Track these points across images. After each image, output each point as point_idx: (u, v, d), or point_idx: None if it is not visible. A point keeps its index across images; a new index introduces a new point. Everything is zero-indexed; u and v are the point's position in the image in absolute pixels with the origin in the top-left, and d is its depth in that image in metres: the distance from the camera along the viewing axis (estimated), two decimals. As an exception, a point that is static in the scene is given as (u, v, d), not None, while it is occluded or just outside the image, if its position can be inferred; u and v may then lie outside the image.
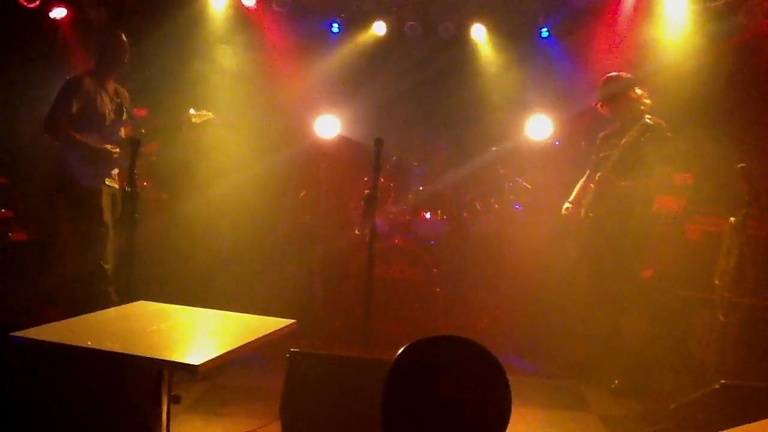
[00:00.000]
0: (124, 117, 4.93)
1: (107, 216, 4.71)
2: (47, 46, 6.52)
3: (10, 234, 5.70)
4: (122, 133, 4.92)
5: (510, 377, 1.82)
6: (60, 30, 6.67)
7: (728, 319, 4.32)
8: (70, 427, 3.23)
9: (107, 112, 4.78)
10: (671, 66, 5.93)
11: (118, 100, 4.91)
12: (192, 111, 5.02)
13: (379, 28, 7.05)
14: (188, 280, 5.98)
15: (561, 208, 5.06)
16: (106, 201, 4.72)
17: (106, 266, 4.65)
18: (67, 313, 2.70)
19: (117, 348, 2.27)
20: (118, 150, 4.76)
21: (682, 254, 5.21)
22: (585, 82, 5.40)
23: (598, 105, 4.89)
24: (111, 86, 4.89)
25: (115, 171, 4.87)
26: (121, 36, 4.84)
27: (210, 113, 5.07)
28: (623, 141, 4.55)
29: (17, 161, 6.07)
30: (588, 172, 5.08)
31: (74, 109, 4.61)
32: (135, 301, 3.10)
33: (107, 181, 4.78)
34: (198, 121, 5.01)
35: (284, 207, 6.69)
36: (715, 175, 5.42)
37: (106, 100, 4.79)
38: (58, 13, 6.53)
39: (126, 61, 4.87)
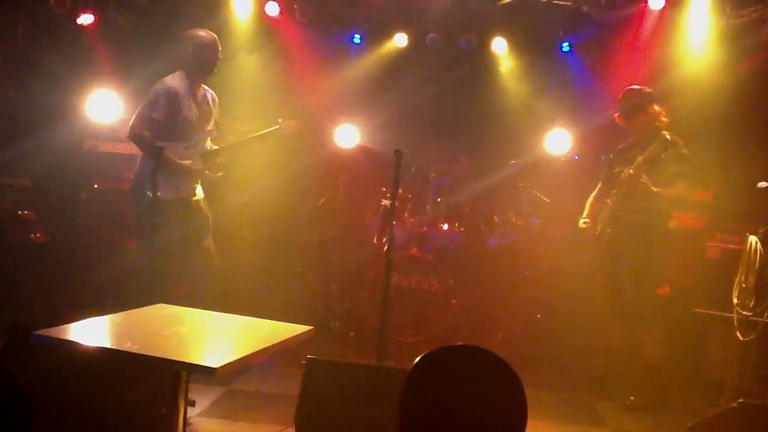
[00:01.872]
0: (211, 126, 4.67)
1: (177, 231, 4.46)
2: (75, 53, 6.61)
3: (32, 235, 5.77)
4: (208, 143, 4.69)
5: (525, 391, 1.83)
6: (86, 36, 6.76)
7: (746, 338, 4.29)
8: (86, 427, 3.26)
9: (194, 120, 4.52)
10: (692, 82, 5.91)
11: (206, 107, 4.64)
12: (280, 121, 4.76)
13: (400, 40, 7.09)
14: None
15: (578, 222, 5.05)
16: (178, 217, 4.47)
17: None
18: (87, 314, 2.73)
19: (136, 349, 2.30)
20: (200, 167, 4.56)
21: (700, 271, 5.18)
22: (605, 96, 5.40)
23: (617, 116, 4.89)
24: (200, 92, 4.61)
25: (198, 185, 4.65)
26: (214, 39, 4.58)
27: (298, 123, 4.83)
28: (640, 157, 4.53)
29: (40, 164, 6.15)
30: (599, 185, 5.07)
31: (161, 116, 4.37)
32: (154, 303, 3.14)
33: (187, 195, 4.57)
34: (287, 133, 4.76)
35: (303, 215, 6.73)
36: (735, 192, 5.39)
37: (194, 107, 4.52)
38: (85, 19, 6.61)
39: (215, 67, 4.59)
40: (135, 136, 4.43)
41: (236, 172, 6.00)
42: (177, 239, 4.51)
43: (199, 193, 4.68)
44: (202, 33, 4.60)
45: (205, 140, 4.68)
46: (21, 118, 6.16)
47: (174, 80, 4.49)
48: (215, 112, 4.75)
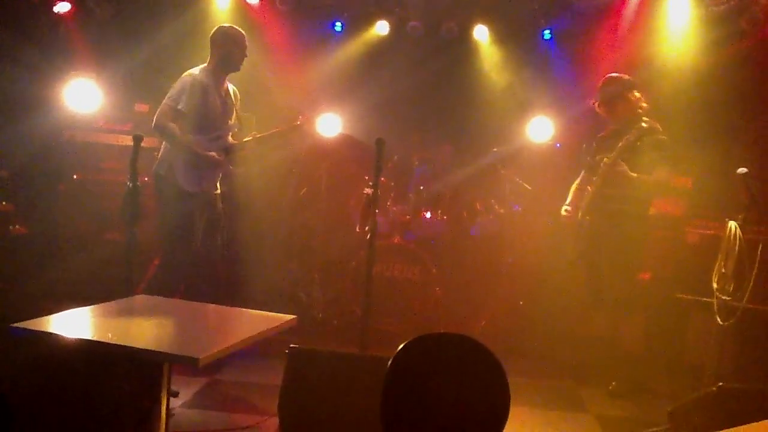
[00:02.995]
0: (233, 121, 4.68)
1: (196, 222, 4.49)
2: (51, 42, 6.52)
3: (11, 227, 5.70)
4: (230, 138, 4.68)
5: (508, 378, 1.83)
6: (63, 25, 6.67)
7: (726, 323, 4.33)
8: (67, 420, 3.24)
9: (219, 113, 4.53)
10: (672, 70, 5.95)
11: (230, 102, 4.65)
12: (301, 117, 4.82)
13: (381, 28, 7.07)
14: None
15: (560, 210, 5.07)
16: (199, 209, 4.49)
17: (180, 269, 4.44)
18: (67, 306, 2.70)
19: (117, 340, 2.29)
20: (222, 158, 4.55)
21: (680, 257, 5.23)
22: (586, 84, 5.41)
23: (596, 104, 4.91)
24: (224, 87, 4.62)
25: (218, 177, 4.65)
26: (243, 37, 4.58)
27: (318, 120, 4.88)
28: (620, 144, 4.56)
29: (18, 154, 6.07)
30: (582, 173, 5.09)
31: (187, 107, 4.36)
32: (135, 295, 3.12)
33: (209, 188, 4.57)
34: (308, 129, 4.87)
35: (285, 204, 6.71)
36: (714, 178, 5.44)
37: (218, 101, 4.53)
38: (62, 7, 6.52)
39: (240, 66, 4.61)
40: (160, 126, 4.39)
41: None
42: (197, 230, 4.51)
43: (219, 186, 4.68)
44: (233, 29, 4.61)
45: (228, 134, 4.67)
46: (-3, 109, 6.08)
47: (201, 73, 4.49)
48: (237, 106, 4.75)
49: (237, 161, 4.70)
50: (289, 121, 4.93)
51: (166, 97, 4.42)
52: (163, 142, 4.51)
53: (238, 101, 4.77)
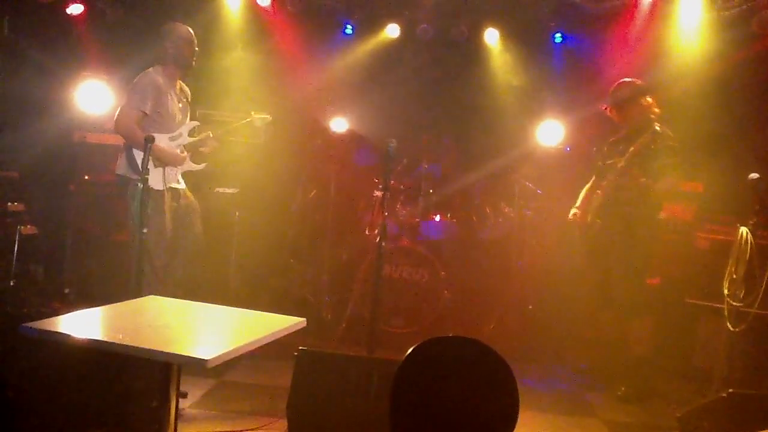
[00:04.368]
0: (188, 120, 4.76)
1: (167, 219, 4.53)
2: (63, 43, 6.55)
3: (21, 228, 5.73)
4: (188, 136, 4.73)
5: (517, 382, 1.82)
6: (75, 27, 6.70)
7: (736, 328, 4.31)
8: (77, 419, 3.25)
9: (176, 112, 4.63)
10: (683, 73, 5.92)
11: (185, 101, 4.76)
12: (254, 113, 4.88)
13: (391, 31, 7.07)
14: (198, 276, 6.02)
15: (569, 213, 5.06)
16: (168, 205, 4.55)
17: (155, 267, 4.45)
18: (77, 306, 2.71)
19: (126, 341, 2.28)
20: (185, 154, 4.63)
21: (690, 262, 5.20)
22: (597, 88, 5.40)
23: (607, 108, 4.90)
24: (178, 86, 4.73)
25: (180, 174, 4.69)
26: (191, 34, 4.66)
27: (269, 116, 4.92)
28: (631, 149, 4.55)
29: (29, 155, 6.10)
30: (593, 178, 5.08)
31: (148, 108, 4.45)
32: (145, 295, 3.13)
33: (173, 184, 4.61)
34: (260, 125, 4.91)
35: (294, 207, 6.72)
36: (725, 183, 5.41)
37: (175, 100, 4.63)
38: (75, 9, 6.55)
39: (193, 62, 4.68)
40: (122, 127, 4.46)
41: (223, 164, 6.01)
42: (169, 227, 4.54)
43: (182, 183, 4.73)
44: (180, 27, 4.69)
45: (186, 132, 4.75)
46: (9, 110, 6.10)
47: (157, 73, 4.57)
48: (188, 104, 4.85)
49: (198, 158, 4.77)
50: (243, 117, 5.01)
51: (127, 99, 4.49)
52: (125, 144, 4.55)
53: (189, 98, 4.84)
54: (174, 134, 4.61)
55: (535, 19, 6.90)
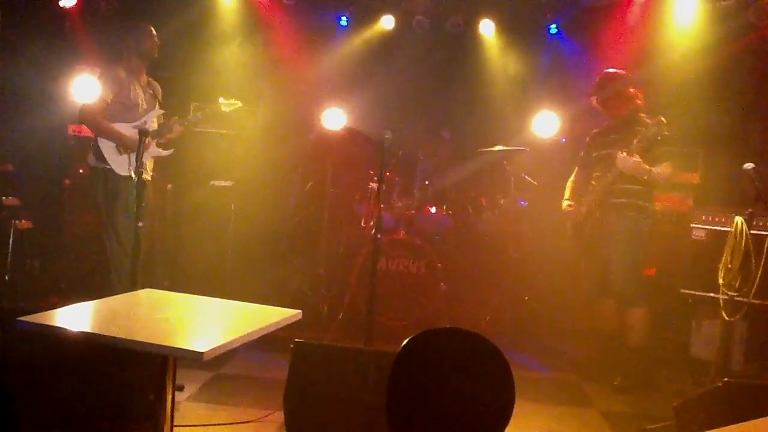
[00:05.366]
0: (157, 108, 4.94)
1: (132, 204, 4.50)
2: (57, 36, 6.53)
3: (16, 221, 5.72)
4: (155, 123, 4.90)
5: (513, 373, 1.83)
6: (68, 19, 6.67)
7: (732, 318, 4.32)
8: (73, 413, 3.25)
9: (140, 102, 4.81)
10: (679, 64, 5.92)
11: (151, 92, 4.95)
12: (221, 99, 5.01)
13: (387, 22, 7.05)
14: (194, 269, 6.02)
15: (562, 205, 5.07)
16: (132, 190, 4.52)
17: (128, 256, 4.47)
18: (72, 300, 2.70)
19: (122, 334, 2.28)
20: (148, 139, 4.66)
21: (686, 253, 5.21)
22: (593, 79, 5.39)
23: (594, 100, 4.90)
24: (144, 78, 4.94)
25: (150, 162, 4.83)
26: (151, 29, 4.86)
27: (239, 102, 5.03)
28: (635, 139, 4.52)
29: (24, 148, 6.09)
30: (576, 170, 5.09)
31: (108, 98, 4.67)
32: (141, 289, 3.12)
33: (137, 170, 4.59)
34: (227, 110, 5.01)
35: (290, 199, 6.71)
36: (721, 174, 5.42)
37: (139, 90, 4.83)
38: (68, 2, 6.52)
39: (156, 54, 4.89)
40: (85, 116, 4.71)
41: (219, 157, 5.99)
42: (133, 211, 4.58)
43: (149, 171, 4.83)
44: (140, 23, 4.93)
45: (151, 121, 4.88)
46: (3, 103, 6.08)
47: (119, 67, 4.80)
48: (159, 96, 5.01)
49: (165, 144, 4.92)
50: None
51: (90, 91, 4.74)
52: (93, 135, 4.76)
53: (160, 93, 5.03)
54: (138, 123, 4.75)
55: (530, 10, 6.90)
